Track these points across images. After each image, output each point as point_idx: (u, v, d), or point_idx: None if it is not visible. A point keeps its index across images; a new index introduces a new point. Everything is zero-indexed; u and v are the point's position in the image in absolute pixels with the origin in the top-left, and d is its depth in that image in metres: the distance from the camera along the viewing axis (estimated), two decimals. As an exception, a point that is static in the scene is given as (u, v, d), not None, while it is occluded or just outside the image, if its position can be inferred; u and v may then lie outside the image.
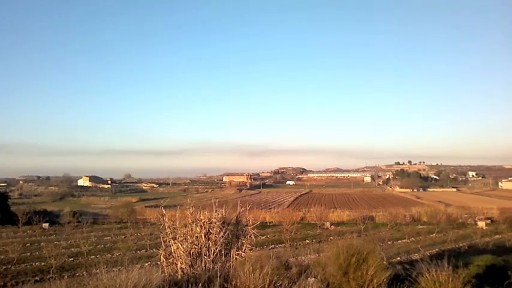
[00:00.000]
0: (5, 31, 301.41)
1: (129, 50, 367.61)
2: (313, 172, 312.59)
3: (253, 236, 13.23)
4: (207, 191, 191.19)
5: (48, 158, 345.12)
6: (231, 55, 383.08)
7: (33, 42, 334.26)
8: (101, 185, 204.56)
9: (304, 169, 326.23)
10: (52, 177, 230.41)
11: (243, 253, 12.55)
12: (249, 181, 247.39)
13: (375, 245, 12.00)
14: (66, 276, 24.58)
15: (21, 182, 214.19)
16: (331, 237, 42.88)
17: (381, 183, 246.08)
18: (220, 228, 12.30)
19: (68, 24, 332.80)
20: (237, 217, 13.49)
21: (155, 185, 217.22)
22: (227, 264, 11.97)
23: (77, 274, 27.47)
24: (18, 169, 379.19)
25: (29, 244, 40.48)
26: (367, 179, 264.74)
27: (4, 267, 30.24)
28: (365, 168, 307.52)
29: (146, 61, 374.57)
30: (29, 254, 35.64)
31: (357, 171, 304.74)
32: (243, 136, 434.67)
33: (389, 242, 37.70)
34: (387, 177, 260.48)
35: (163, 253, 12.12)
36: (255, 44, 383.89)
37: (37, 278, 26.10)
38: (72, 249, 36.37)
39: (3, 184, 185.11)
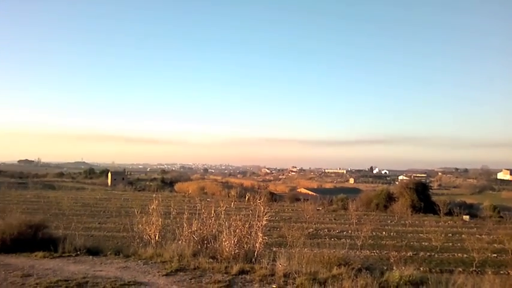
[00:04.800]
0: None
1: None
2: None
3: None
4: None
5: (466, 150, 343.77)
6: None
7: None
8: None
9: None
10: (470, 169, 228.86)
11: None
12: None
13: None
14: (489, 272, 23.78)
15: (439, 173, 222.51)
16: None
17: None
18: None
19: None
20: None
21: None
22: None
23: (501, 272, 26.30)
24: (436, 161, 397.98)
25: (450, 234, 41.15)
26: None
27: (428, 253, 32.08)
28: None
29: None
30: (450, 244, 36.32)
31: None
32: None
33: None
34: None
35: None
36: None
37: (460, 269, 26.17)
38: (495, 245, 34.84)
39: (423, 175, 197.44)
